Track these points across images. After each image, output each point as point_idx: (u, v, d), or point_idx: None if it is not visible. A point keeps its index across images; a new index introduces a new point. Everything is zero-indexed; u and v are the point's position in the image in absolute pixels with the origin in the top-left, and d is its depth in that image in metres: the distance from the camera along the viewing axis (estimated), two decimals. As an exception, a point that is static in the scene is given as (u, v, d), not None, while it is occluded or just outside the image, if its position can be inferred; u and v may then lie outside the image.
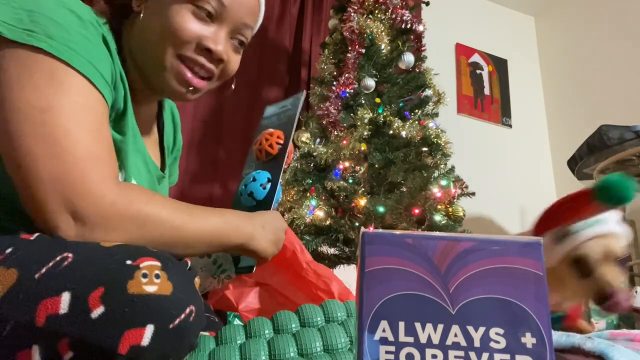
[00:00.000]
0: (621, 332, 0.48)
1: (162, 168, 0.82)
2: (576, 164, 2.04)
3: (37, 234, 0.49)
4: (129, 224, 0.52)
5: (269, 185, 0.77)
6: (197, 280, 0.51)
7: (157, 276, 0.45)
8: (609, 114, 2.59)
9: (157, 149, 0.81)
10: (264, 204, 0.76)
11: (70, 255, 0.45)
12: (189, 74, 0.66)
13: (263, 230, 0.68)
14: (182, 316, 0.45)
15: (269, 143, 0.81)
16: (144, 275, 0.44)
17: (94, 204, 0.50)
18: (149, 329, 0.43)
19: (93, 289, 0.43)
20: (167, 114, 0.85)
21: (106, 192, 0.51)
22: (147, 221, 0.53)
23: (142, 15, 0.65)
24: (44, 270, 0.44)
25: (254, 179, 0.78)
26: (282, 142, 0.81)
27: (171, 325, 0.44)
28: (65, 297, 0.42)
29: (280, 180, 0.79)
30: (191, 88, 0.68)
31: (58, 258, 0.45)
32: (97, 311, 0.42)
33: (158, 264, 0.46)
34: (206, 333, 0.67)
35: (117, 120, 0.63)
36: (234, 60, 0.71)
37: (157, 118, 0.82)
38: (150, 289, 0.44)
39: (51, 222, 0.49)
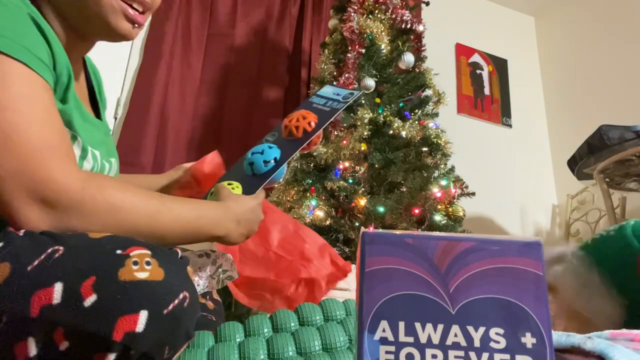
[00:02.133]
0: (621, 332, 0.48)
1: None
2: (576, 164, 2.04)
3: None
4: (102, 210, 0.51)
5: (271, 164, 0.75)
6: (189, 269, 0.51)
7: (148, 263, 0.45)
8: (609, 114, 2.60)
9: (90, 107, 0.79)
10: (259, 179, 0.75)
11: (61, 248, 0.46)
12: (131, 11, 0.66)
13: (237, 226, 0.67)
14: (176, 301, 0.45)
15: (297, 125, 0.79)
16: (135, 263, 0.45)
17: (62, 190, 0.49)
18: (143, 315, 0.43)
19: (85, 278, 0.43)
20: (90, 70, 0.84)
21: (72, 179, 0.50)
22: (120, 208, 0.52)
23: None
24: (36, 262, 0.44)
25: (262, 152, 0.76)
26: (310, 129, 0.78)
27: (165, 311, 0.44)
28: (58, 287, 0.43)
29: (287, 162, 0.77)
30: (136, 25, 0.68)
31: (49, 250, 0.45)
32: (90, 299, 0.42)
33: (148, 252, 0.46)
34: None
35: (61, 93, 0.62)
36: None
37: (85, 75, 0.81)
38: (142, 275, 0.44)
39: (23, 217, 0.48)
